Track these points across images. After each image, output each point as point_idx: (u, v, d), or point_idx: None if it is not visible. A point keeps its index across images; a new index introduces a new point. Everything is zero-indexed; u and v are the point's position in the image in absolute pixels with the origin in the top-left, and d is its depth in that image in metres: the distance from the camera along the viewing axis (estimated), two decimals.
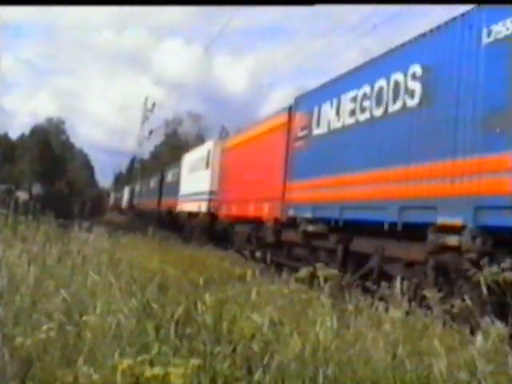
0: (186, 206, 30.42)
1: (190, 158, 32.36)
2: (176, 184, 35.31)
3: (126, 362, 2.74)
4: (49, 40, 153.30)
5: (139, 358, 2.85)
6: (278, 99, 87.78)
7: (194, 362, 2.98)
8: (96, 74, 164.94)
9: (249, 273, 4.79)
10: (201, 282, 5.37)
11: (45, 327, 3.51)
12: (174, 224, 34.05)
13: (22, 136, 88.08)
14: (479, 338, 4.11)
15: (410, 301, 5.56)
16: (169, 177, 40.81)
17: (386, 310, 5.36)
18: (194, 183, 28.79)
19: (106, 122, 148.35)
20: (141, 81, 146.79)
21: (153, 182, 49.13)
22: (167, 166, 45.59)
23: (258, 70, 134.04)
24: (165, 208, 38.99)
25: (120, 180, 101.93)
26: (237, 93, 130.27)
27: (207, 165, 26.51)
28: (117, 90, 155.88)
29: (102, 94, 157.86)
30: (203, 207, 26.03)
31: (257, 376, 3.48)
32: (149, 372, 2.69)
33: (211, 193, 25.13)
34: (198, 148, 32.31)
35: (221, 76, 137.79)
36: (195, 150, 32.59)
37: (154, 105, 65.05)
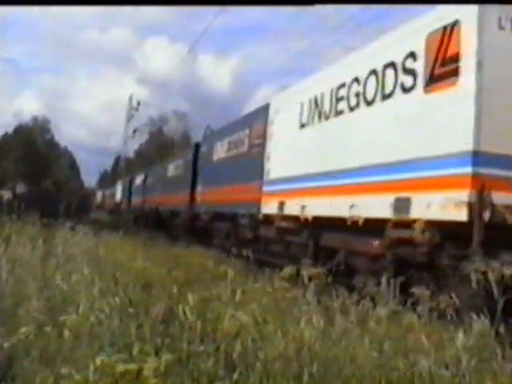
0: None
1: None
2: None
3: (100, 360, 2.69)
4: (32, 39, 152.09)
5: (114, 357, 2.81)
6: (263, 98, 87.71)
7: (167, 357, 2.95)
8: (80, 73, 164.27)
9: (231, 272, 4.75)
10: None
11: (23, 329, 3.45)
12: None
13: (6, 135, 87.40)
14: (460, 334, 4.11)
15: (395, 297, 5.55)
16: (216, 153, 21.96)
17: (373, 307, 5.34)
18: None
19: (90, 121, 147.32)
20: (125, 80, 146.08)
21: (175, 168, 30.69)
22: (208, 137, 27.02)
23: (243, 69, 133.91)
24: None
25: (105, 179, 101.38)
26: (222, 91, 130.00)
27: None
28: (101, 88, 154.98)
29: (87, 92, 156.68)
30: None
31: (238, 375, 3.44)
32: (122, 367, 2.65)
33: None
34: None
35: (205, 75, 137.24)
36: None
37: (138, 103, 64.63)
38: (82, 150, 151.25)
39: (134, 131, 67.16)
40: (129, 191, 51.23)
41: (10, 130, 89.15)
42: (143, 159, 76.86)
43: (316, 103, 12.19)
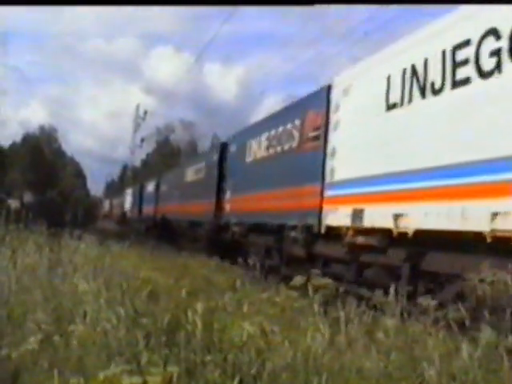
0: None
1: None
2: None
3: (103, 375, 2.69)
4: (38, 48, 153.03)
5: (118, 369, 2.80)
6: (269, 107, 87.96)
7: (172, 369, 2.95)
8: (86, 82, 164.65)
9: (238, 282, 4.76)
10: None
11: (32, 339, 3.46)
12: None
13: (14, 144, 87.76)
14: (465, 346, 4.10)
15: (402, 310, 5.54)
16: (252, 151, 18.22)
17: (380, 317, 5.34)
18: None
19: (96, 130, 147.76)
20: (132, 89, 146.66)
21: (194, 172, 26.86)
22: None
23: (249, 78, 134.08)
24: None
25: (112, 188, 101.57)
26: (228, 100, 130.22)
27: None
28: (108, 97, 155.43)
29: (93, 102, 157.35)
30: None
31: None
32: (127, 382, 2.64)
33: None
34: None
35: (212, 84, 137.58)
36: None
37: (145, 113, 64.84)
38: (89, 159, 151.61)
39: (142, 140, 67.38)
40: (139, 199, 47.44)
41: (17, 139, 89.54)
42: (150, 168, 76.94)
43: (415, 73, 8.85)
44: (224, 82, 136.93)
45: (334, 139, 11.52)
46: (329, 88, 12.19)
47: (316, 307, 5.05)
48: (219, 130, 75.65)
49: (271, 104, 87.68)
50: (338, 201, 11.04)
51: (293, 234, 13.02)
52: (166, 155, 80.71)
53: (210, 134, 79.94)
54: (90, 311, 4.40)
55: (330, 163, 11.53)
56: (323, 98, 12.28)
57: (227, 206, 19.77)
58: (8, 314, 4.56)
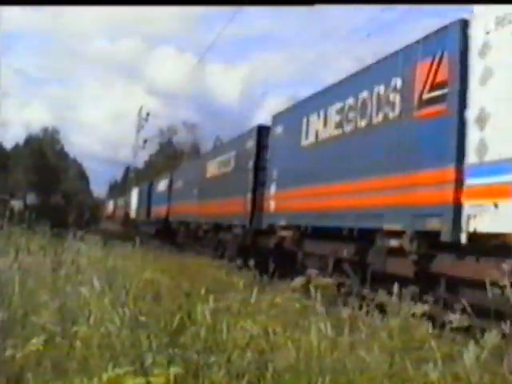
0: None
1: None
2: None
3: (107, 376, 2.69)
4: (41, 49, 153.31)
5: (122, 370, 2.81)
6: (271, 108, 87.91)
7: (174, 370, 2.95)
8: (89, 84, 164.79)
9: (241, 283, 4.76)
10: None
11: (34, 340, 3.46)
12: None
13: (17, 146, 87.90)
14: (471, 347, 4.08)
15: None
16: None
17: (383, 317, 5.33)
18: None
19: (99, 132, 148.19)
20: (134, 90, 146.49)
21: (219, 165, 22.87)
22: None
23: (251, 79, 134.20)
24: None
25: (115, 189, 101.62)
26: (230, 102, 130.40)
27: None
28: (110, 99, 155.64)
29: (96, 103, 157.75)
30: None
31: None
32: (130, 382, 2.64)
33: None
34: None
35: (214, 85, 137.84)
36: None
37: (148, 114, 64.82)
38: (92, 160, 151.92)
39: (145, 142, 67.31)
40: (148, 199, 42.47)
41: (20, 140, 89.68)
42: (153, 170, 76.93)
43: None
44: (226, 83, 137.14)
45: (484, 98, 7.72)
46: (465, 23, 8.37)
47: (318, 307, 5.04)
48: (221, 132, 75.69)
49: (272, 106, 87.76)
50: (500, 192, 7.21)
51: (393, 242, 9.50)
52: (169, 157, 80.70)
53: (213, 136, 79.93)
54: (93, 312, 4.40)
55: (475, 134, 7.73)
56: (452, 38, 8.56)
57: (270, 204, 15.58)
58: (12, 314, 4.56)
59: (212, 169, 23.57)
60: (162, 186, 38.23)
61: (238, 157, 19.77)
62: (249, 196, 17.28)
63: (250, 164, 17.90)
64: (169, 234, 32.54)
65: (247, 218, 17.21)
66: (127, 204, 59.45)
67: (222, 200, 20.62)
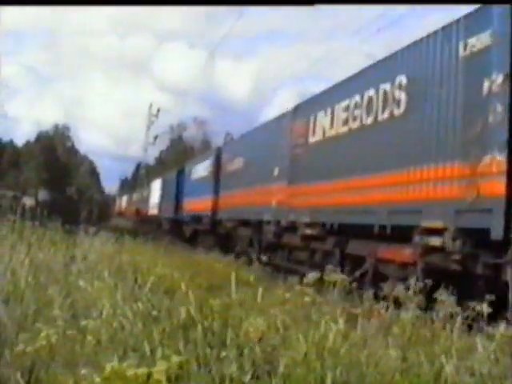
0: None
1: None
2: None
3: (110, 366, 2.70)
4: (51, 46, 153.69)
5: (126, 362, 2.81)
6: (281, 104, 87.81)
7: (177, 359, 2.94)
8: (99, 80, 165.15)
9: (252, 277, 4.75)
10: None
11: (44, 333, 3.47)
12: None
13: (28, 143, 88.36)
14: (479, 340, 4.07)
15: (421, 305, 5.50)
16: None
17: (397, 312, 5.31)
18: None
19: (110, 128, 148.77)
20: (145, 86, 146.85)
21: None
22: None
23: (261, 75, 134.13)
24: None
25: (126, 185, 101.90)
26: (240, 98, 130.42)
27: None
28: (121, 95, 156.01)
29: (106, 99, 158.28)
30: None
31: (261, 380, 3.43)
32: (131, 371, 2.65)
33: None
34: None
35: (224, 81, 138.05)
36: None
37: (158, 110, 65.06)
38: (102, 156, 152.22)
39: (155, 138, 67.55)
40: (176, 190, 33.95)
41: (31, 137, 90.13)
42: (164, 166, 77.16)
43: None
44: (236, 78, 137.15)
45: None
46: None
47: (332, 302, 5.03)
48: (231, 128, 75.75)
49: (282, 101, 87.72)
50: None
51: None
52: (180, 153, 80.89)
53: (223, 132, 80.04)
54: (106, 307, 4.41)
55: None
56: None
57: None
58: (24, 309, 4.57)
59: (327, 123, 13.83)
60: (201, 170, 28.30)
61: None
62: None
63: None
64: (219, 238, 23.87)
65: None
66: (144, 199, 51.97)
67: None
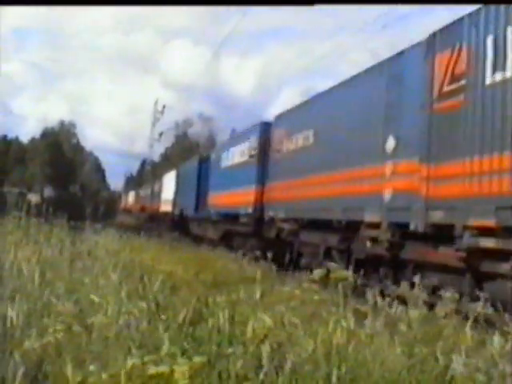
0: None
1: None
2: None
3: (132, 362, 2.70)
4: (56, 43, 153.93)
5: (146, 358, 2.81)
6: (286, 100, 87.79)
7: (198, 359, 2.94)
8: (104, 77, 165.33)
9: (259, 274, 4.74)
10: None
11: (51, 329, 3.47)
12: None
13: (33, 139, 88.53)
14: (496, 338, 4.03)
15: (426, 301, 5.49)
16: None
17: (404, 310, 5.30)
18: None
19: (115, 125, 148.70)
20: (150, 83, 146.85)
21: None
22: None
23: (266, 72, 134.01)
24: None
25: (131, 182, 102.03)
26: (245, 94, 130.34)
27: None
28: (126, 92, 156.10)
29: (111, 96, 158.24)
30: None
31: (267, 377, 3.43)
32: (153, 370, 2.64)
33: None
34: None
35: (229, 78, 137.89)
36: None
37: (164, 107, 65.03)
38: (108, 153, 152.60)
39: (160, 134, 67.55)
40: (197, 182, 28.24)
41: (36, 134, 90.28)
42: (169, 162, 77.19)
43: None
44: (241, 75, 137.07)
45: None
46: None
47: (338, 299, 5.02)
48: (236, 124, 75.71)
49: (288, 98, 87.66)
50: None
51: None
52: (185, 149, 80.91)
53: (229, 128, 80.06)
54: (111, 303, 4.41)
55: None
56: None
57: None
58: (31, 306, 4.58)
59: None
60: (235, 155, 22.32)
61: None
62: None
63: None
64: (266, 244, 16.72)
65: None
66: (155, 194, 46.68)
67: None
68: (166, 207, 39.45)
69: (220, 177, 24.43)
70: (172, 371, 2.67)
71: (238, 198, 20.75)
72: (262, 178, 18.63)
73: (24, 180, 69.56)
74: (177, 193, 35.46)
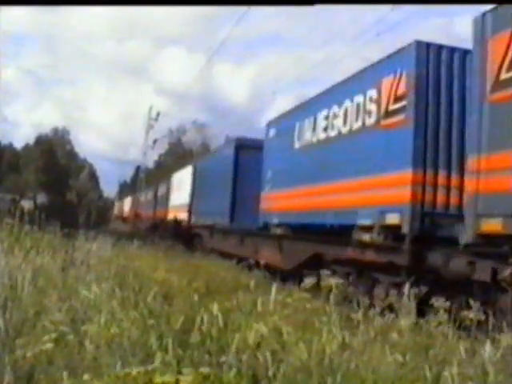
0: None
1: None
2: None
3: (136, 371, 2.70)
4: (51, 51, 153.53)
5: (150, 367, 2.81)
6: (280, 108, 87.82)
7: (203, 370, 2.96)
8: (99, 84, 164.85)
9: (252, 282, 4.75)
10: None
11: (45, 337, 3.47)
12: None
13: (27, 146, 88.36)
14: (488, 346, 4.03)
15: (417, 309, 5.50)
16: None
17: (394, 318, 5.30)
18: None
19: (109, 132, 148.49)
20: (144, 90, 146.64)
21: None
22: None
23: (260, 79, 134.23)
24: None
25: (125, 189, 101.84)
26: (239, 102, 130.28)
27: None
28: (120, 99, 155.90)
29: (105, 103, 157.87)
30: None
31: None
32: (159, 379, 2.65)
33: None
34: None
35: (223, 85, 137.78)
36: None
37: (158, 114, 64.92)
38: (101, 160, 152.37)
39: (154, 142, 67.40)
40: (234, 177, 20.25)
41: (30, 140, 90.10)
42: (163, 170, 77.07)
43: None
44: (235, 82, 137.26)
45: None
46: None
47: (330, 307, 5.02)
48: (230, 132, 75.73)
49: (282, 105, 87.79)
50: None
51: None
52: (179, 156, 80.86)
53: (222, 136, 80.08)
54: (104, 312, 4.40)
55: None
56: None
57: None
58: (22, 314, 4.56)
59: None
60: (339, 117, 12.48)
61: None
62: None
63: None
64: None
65: None
66: (159, 199, 38.80)
67: None
68: (178, 214, 30.27)
69: (293, 164, 15.33)
70: (177, 381, 2.69)
71: (351, 194, 11.55)
72: (424, 153, 9.66)
73: (17, 186, 69.34)
74: (193, 196, 27.08)
